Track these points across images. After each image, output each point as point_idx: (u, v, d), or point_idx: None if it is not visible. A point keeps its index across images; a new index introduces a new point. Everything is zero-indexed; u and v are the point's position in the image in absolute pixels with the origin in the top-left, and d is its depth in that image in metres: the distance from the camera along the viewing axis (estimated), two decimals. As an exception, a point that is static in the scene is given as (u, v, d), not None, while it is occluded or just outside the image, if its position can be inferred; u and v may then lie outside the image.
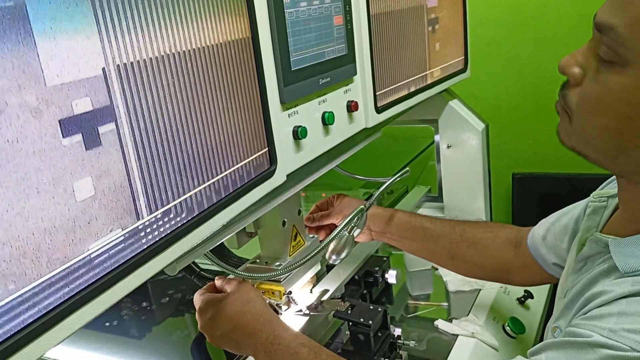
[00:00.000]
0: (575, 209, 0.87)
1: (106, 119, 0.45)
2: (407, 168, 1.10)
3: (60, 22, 0.40)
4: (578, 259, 0.71)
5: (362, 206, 0.96)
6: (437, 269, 1.33)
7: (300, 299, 0.98)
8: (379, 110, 0.90)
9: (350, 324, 0.96)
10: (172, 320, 1.22)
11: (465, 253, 1.01)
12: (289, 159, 0.70)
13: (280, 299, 0.93)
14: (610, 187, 0.77)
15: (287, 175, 0.70)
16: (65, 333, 0.43)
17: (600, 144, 0.61)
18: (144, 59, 0.48)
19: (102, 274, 0.45)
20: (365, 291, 1.18)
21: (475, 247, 1.01)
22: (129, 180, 0.47)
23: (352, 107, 0.82)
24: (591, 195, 0.77)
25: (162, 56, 0.50)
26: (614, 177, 0.78)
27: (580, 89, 0.62)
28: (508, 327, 1.10)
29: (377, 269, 1.18)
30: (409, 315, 1.18)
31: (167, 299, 1.27)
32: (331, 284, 1.09)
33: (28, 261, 0.39)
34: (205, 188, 0.56)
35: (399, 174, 1.05)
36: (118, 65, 0.45)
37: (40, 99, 0.40)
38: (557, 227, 0.89)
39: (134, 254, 0.48)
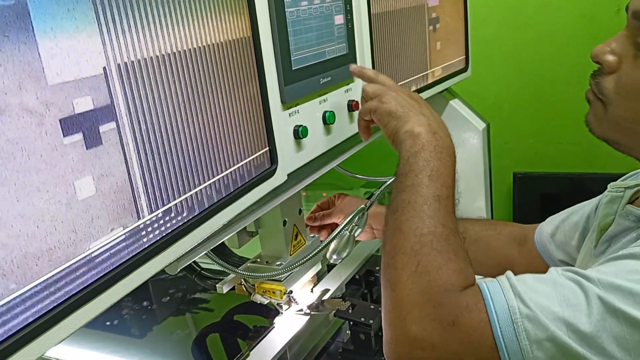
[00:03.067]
0: (585, 207, 0.87)
1: (107, 118, 0.45)
2: (408, 167, 1.09)
3: (61, 21, 0.40)
4: (602, 240, 0.71)
5: (363, 205, 0.96)
6: (438, 269, 1.32)
7: (301, 298, 0.98)
8: (379, 109, 0.89)
9: (351, 323, 0.96)
10: (173, 319, 1.22)
11: (468, 250, 1.01)
12: (289, 159, 0.70)
13: (281, 298, 0.93)
14: (629, 180, 0.78)
15: (288, 175, 0.70)
16: (66, 332, 0.43)
17: (638, 130, 0.62)
18: (145, 58, 0.48)
19: (103, 273, 0.45)
20: (366, 290, 1.18)
21: (478, 244, 1.00)
22: (130, 179, 0.47)
23: (352, 106, 0.82)
24: (608, 186, 0.78)
25: (163, 55, 0.50)
26: (631, 173, 0.79)
27: (617, 76, 0.63)
28: (509, 327, 1.09)
29: (378, 268, 1.18)
30: (409, 315, 1.18)
31: (168, 298, 1.27)
32: (332, 283, 1.09)
33: (29, 260, 0.39)
34: (206, 187, 0.56)
35: (399, 174, 1.05)
36: (119, 64, 0.45)
37: (42, 98, 0.40)
38: (567, 225, 0.88)
39: (135, 253, 0.48)
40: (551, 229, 0.91)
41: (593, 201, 0.86)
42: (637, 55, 0.60)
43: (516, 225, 1.01)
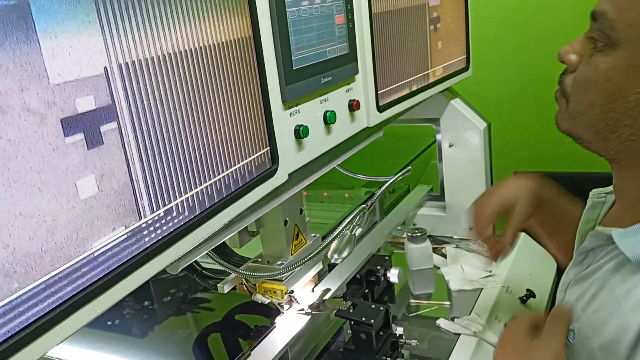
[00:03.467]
0: None
1: (108, 118, 0.45)
2: (409, 167, 1.10)
3: (63, 21, 0.41)
4: (579, 251, 0.72)
5: (364, 205, 0.96)
6: (439, 268, 1.33)
7: (302, 298, 0.98)
8: (380, 109, 0.89)
9: (352, 323, 0.96)
10: (174, 319, 1.22)
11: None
12: (290, 158, 0.70)
13: (282, 298, 0.93)
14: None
15: (289, 175, 0.70)
16: (68, 332, 0.43)
17: (590, 121, 0.64)
18: (146, 58, 0.48)
19: (104, 273, 0.45)
20: (367, 290, 1.18)
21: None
22: (131, 179, 0.47)
23: (353, 106, 0.82)
24: (590, 193, 0.78)
25: (164, 55, 0.50)
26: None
27: (575, 73, 0.66)
28: (510, 326, 1.10)
29: (379, 267, 1.18)
30: (410, 315, 1.18)
31: (169, 298, 1.27)
32: (333, 283, 1.09)
33: (31, 260, 0.39)
34: (207, 187, 0.56)
35: (400, 173, 1.05)
36: (120, 64, 0.46)
37: (43, 98, 0.40)
38: None
39: (136, 253, 0.48)
40: None
41: None
42: (592, 54, 0.63)
43: None
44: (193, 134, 0.54)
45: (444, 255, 1.38)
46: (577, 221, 0.87)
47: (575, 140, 0.69)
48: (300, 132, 0.70)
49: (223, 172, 0.58)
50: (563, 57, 0.68)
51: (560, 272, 1.40)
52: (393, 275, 1.19)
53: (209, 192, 0.56)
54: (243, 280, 0.94)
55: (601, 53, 0.61)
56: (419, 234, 1.29)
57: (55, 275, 0.41)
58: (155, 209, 0.50)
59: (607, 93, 0.61)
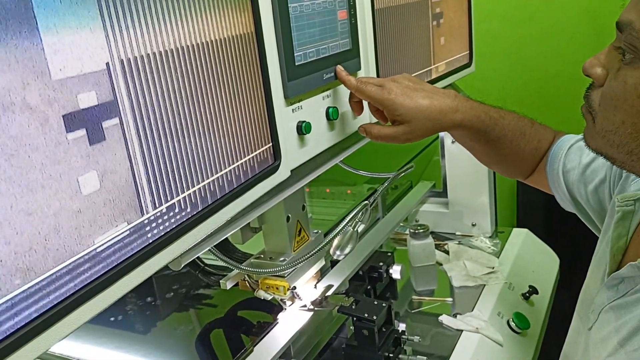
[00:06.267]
0: (599, 176, 0.84)
1: (110, 114, 0.45)
2: (412, 163, 1.10)
3: (64, 16, 0.40)
4: (614, 276, 0.68)
5: (367, 202, 0.96)
6: (441, 264, 1.33)
7: (305, 294, 0.98)
8: (383, 105, 0.89)
9: (355, 319, 0.96)
10: (177, 315, 1.22)
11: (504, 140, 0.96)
12: (293, 154, 0.70)
13: (285, 294, 0.93)
14: (635, 188, 0.74)
15: (291, 171, 0.70)
16: (71, 328, 0.43)
17: (621, 141, 0.60)
18: (148, 54, 0.48)
19: (107, 269, 0.45)
20: (369, 286, 1.18)
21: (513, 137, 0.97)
22: (133, 175, 0.47)
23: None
24: (616, 199, 0.74)
25: (166, 51, 0.50)
26: (631, 174, 0.75)
27: (602, 89, 0.61)
28: (512, 323, 1.10)
29: (381, 264, 1.18)
30: (413, 311, 1.18)
31: (172, 294, 1.27)
32: (335, 279, 1.09)
33: (33, 256, 0.39)
34: (209, 183, 0.56)
35: (403, 170, 1.05)
36: (122, 60, 0.45)
37: (45, 94, 0.40)
38: (590, 190, 0.86)
39: (139, 249, 0.48)
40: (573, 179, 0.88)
41: (603, 174, 0.82)
42: (620, 67, 0.59)
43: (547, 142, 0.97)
44: (195, 130, 0.54)
45: (447, 252, 1.38)
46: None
47: (607, 159, 0.64)
48: (303, 129, 0.70)
49: (225, 168, 0.58)
50: (588, 70, 0.62)
51: (562, 269, 1.40)
52: (395, 271, 1.19)
53: (212, 189, 0.56)
54: (245, 276, 0.94)
55: (629, 66, 0.57)
56: (421, 231, 1.30)
57: (58, 271, 0.41)
58: (157, 205, 0.50)
59: (638, 110, 0.57)
